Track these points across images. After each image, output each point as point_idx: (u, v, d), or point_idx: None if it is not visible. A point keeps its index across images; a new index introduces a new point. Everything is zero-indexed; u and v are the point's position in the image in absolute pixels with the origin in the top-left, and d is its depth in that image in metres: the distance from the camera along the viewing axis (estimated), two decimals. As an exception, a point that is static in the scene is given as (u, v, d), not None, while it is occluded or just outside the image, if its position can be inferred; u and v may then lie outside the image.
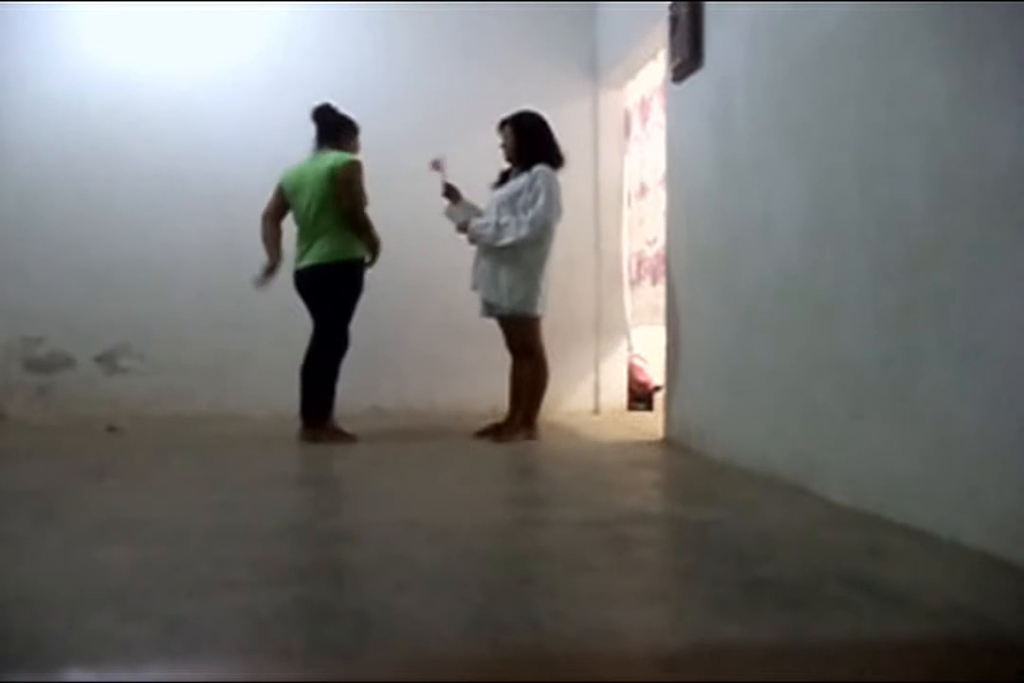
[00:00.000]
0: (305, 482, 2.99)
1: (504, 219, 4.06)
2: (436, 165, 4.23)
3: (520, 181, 4.09)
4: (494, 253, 4.13)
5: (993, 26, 1.94)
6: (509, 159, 4.21)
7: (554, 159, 4.12)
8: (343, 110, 4.16)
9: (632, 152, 5.54)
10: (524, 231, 4.01)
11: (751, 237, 3.19)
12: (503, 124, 4.19)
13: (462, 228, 4.21)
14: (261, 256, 4.10)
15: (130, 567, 1.87)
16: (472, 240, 4.22)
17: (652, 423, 4.59)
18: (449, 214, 4.28)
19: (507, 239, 4.04)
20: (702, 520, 2.36)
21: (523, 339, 4.18)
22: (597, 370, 5.52)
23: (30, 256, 5.08)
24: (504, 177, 4.25)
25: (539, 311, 4.16)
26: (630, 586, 1.75)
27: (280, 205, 4.23)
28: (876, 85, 2.40)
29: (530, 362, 4.20)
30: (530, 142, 4.12)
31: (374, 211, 4.08)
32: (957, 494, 2.04)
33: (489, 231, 4.09)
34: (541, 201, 3.99)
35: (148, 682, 1.28)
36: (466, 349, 5.25)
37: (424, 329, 5.36)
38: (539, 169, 4.03)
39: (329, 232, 4.06)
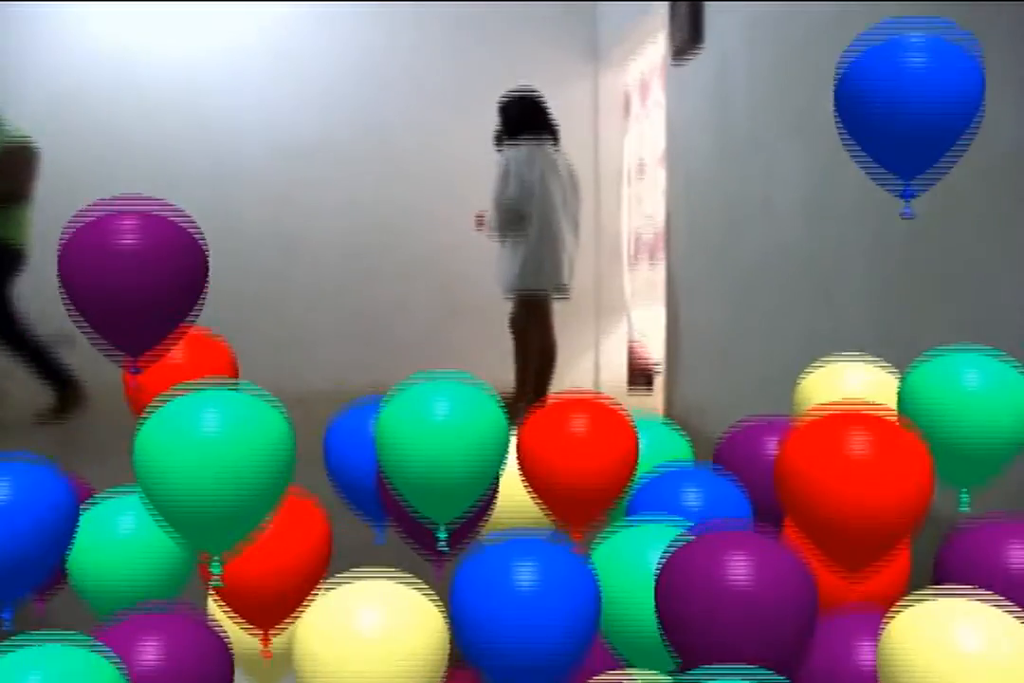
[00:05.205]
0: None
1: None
2: (480, 220, 4.19)
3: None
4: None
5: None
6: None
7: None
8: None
9: (632, 131, 5.52)
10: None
11: (750, 216, 3.19)
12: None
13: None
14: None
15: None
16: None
17: (652, 403, 4.60)
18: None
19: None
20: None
21: (527, 318, 4.17)
22: (597, 349, 5.53)
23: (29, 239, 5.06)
24: None
25: (544, 289, 4.13)
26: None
27: None
28: (876, 63, 2.39)
29: (537, 340, 4.18)
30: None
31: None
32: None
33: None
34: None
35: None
36: (466, 329, 5.26)
37: (423, 309, 5.36)
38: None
39: None
